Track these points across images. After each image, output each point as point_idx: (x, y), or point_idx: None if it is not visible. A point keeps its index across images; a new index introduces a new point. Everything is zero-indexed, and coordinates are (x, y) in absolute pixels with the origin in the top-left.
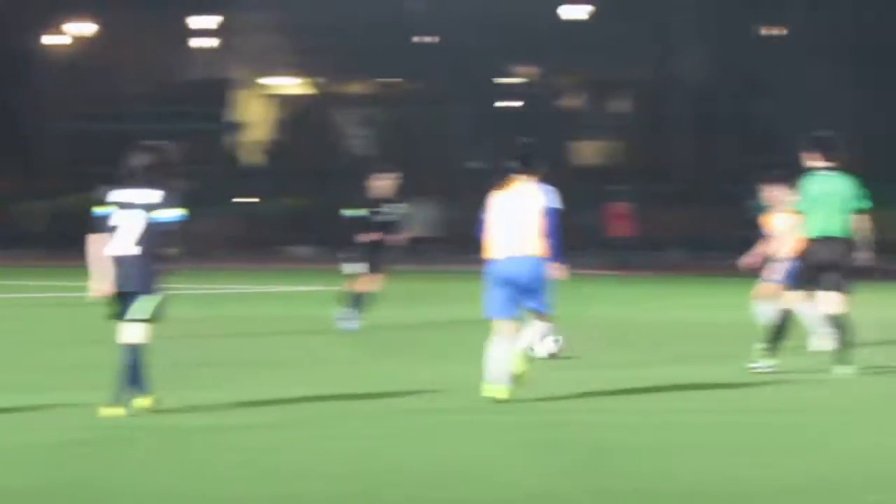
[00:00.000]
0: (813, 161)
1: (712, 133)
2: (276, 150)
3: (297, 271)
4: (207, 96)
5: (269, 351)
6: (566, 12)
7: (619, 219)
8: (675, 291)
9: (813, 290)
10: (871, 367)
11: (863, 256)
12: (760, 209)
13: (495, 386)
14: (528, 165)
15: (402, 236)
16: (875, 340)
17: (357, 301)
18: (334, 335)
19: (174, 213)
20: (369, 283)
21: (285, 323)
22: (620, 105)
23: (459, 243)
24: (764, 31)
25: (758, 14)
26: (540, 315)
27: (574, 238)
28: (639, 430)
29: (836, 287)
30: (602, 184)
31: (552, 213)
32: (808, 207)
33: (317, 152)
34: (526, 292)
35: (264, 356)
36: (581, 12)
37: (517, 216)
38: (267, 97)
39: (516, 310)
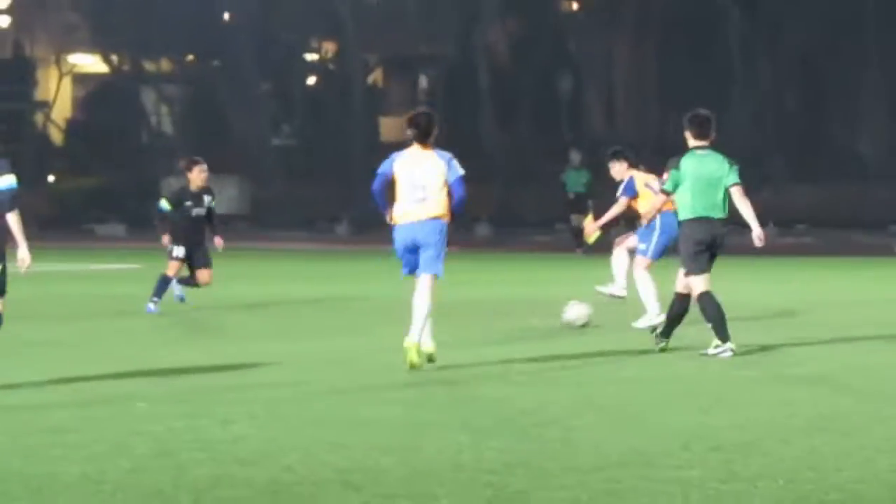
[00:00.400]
0: (690, 138)
1: (516, 109)
2: (82, 129)
3: (107, 250)
4: (14, 75)
5: (72, 331)
6: None
7: None
8: (483, 267)
9: (701, 270)
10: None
11: (756, 234)
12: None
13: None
14: (427, 134)
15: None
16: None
17: (163, 285)
18: (143, 315)
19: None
20: (183, 270)
21: (92, 302)
22: (425, 81)
23: (264, 221)
24: (566, 6)
25: None
26: (436, 277)
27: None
28: (448, 409)
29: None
30: None
31: (460, 182)
32: (685, 187)
33: (122, 130)
34: (423, 252)
35: (66, 336)
36: None
37: (419, 181)
38: (72, 75)
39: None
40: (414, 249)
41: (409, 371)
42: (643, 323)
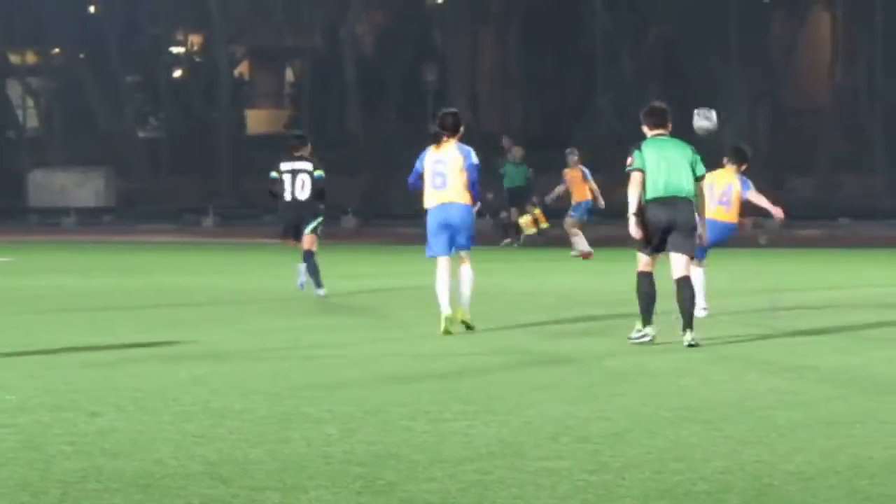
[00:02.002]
0: (647, 129)
1: (382, 100)
2: None
3: None
4: None
5: None
6: None
7: None
8: (349, 259)
9: (658, 252)
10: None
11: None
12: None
13: (445, 312)
14: (454, 129)
15: None
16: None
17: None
18: (11, 308)
19: None
20: None
21: None
22: (291, 73)
23: (131, 214)
24: None
25: None
26: (469, 251)
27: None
28: (315, 401)
29: (682, 248)
30: (275, 152)
31: (474, 168)
32: (648, 169)
33: None
34: (457, 233)
35: None
36: None
37: (447, 170)
38: None
39: (452, 249)
40: (447, 228)
41: (275, 364)
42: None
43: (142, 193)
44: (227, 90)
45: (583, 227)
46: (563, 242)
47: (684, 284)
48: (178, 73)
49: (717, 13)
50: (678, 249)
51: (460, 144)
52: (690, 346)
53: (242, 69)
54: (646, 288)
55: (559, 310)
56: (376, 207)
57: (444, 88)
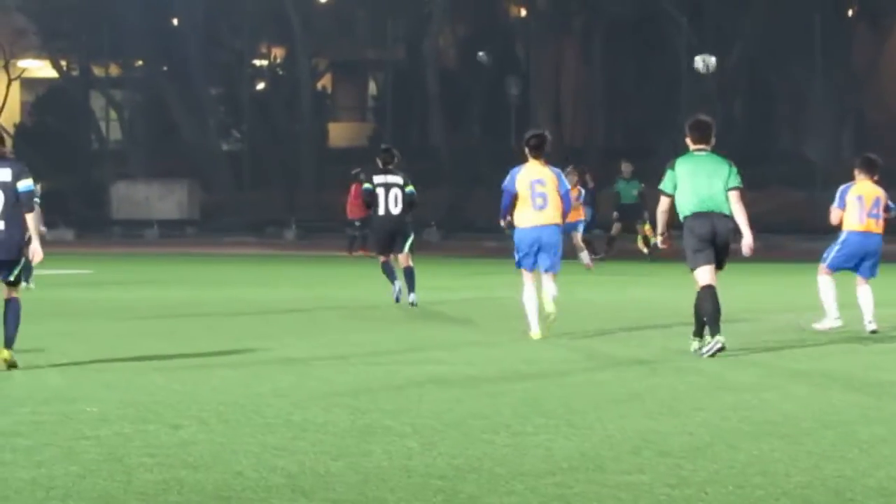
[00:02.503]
0: (690, 143)
1: (464, 113)
2: (31, 134)
3: (56, 255)
4: None
5: (22, 335)
6: None
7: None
8: (432, 272)
9: (702, 263)
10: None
11: (745, 242)
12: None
13: (535, 335)
14: (541, 150)
15: None
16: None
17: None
18: (94, 319)
19: (28, 184)
20: None
21: (42, 306)
22: (374, 86)
23: (213, 226)
24: (514, 11)
25: None
26: (556, 272)
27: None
28: (396, 414)
29: (715, 261)
30: (357, 165)
31: (566, 190)
32: (684, 185)
33: (70, 135)
34: (548, 253)
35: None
36: None
37: (539, 191)
38: (21, 80)
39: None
40: (538, 249)
41: (357, 376)
42: (822, 325)
43: (224, 206)
44: (309, 103)
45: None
46: (641, 256)
47: (710, 296)
48: (260, 86)
49: (800, 28)
50: (714, 261)
51: (551, 166)
52: (710, 351)
53: (325, 82)
54: (711, 301)
55: (641, 323)
56: (459, 220)
57: (527, 102)
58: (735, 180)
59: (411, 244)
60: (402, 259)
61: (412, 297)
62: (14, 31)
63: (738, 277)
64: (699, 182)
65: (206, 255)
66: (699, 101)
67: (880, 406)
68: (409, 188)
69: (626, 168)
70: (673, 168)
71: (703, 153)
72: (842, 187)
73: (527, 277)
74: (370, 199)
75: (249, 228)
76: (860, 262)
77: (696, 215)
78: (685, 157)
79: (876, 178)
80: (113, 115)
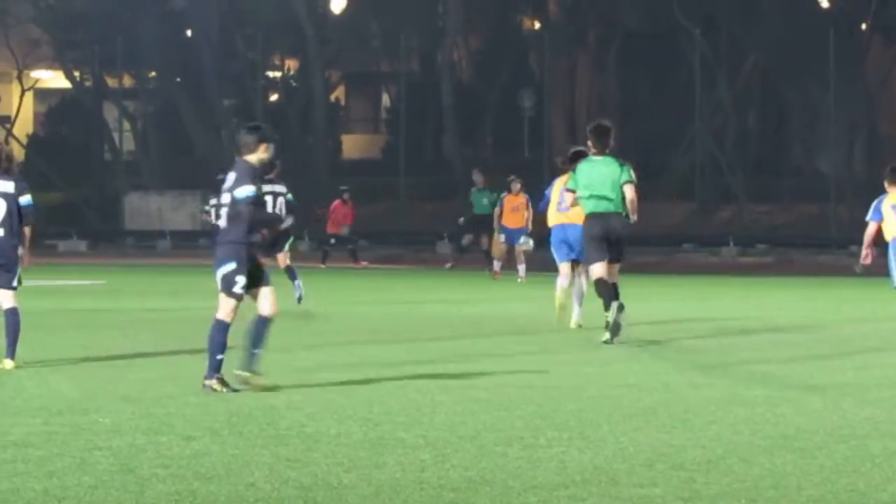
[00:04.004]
0: (590, 147)
1: (479, 125)
2: (44, 144)
3: (69, 266)
4: None
5: (35, 345)
6: (329, 5)
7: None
8: (446, 285)
9: (596, 261)
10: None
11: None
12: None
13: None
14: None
15: None
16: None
17: None
18: (107, 330)
19: (28, 199)
20: None
21: (56, 316)
22: (387, 98)
23: None
24: (528, 23)
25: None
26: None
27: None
28: (409, 426)
29: (609, 257)
30: (370, 177)
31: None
32: (584, 188)
33: (84, 146)
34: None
35: (28, 350)
36: (344, 5)
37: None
38: (34, 90)
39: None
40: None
41: (370, 388)
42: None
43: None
44: (322, 115)
45: (506, 252)
46: (655, 270)
47: (603, 284)
48: (274, 98)
49: (814, 41)
50: (613, 257)
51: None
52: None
53: (338, 94)
54: (607, 290)
55: (655, 336)
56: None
57: (541, 114)
58: (626, 176)
59: (290, 244)
60: (281, 259)
61: (297, 282)
62: (28, 42)
63: (751, 291)
64: (595, 185)
65: None
66: (713, 114)
67: (893, 420)
68: (290, 196)
69: (478, 178)
70: (575, 171)
71: (600, 157)
72: (876, 201)
73: (563, 269)
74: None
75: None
76: None
77: (593, 216)
78: (585, 162)
79: None
80: (126, 126)
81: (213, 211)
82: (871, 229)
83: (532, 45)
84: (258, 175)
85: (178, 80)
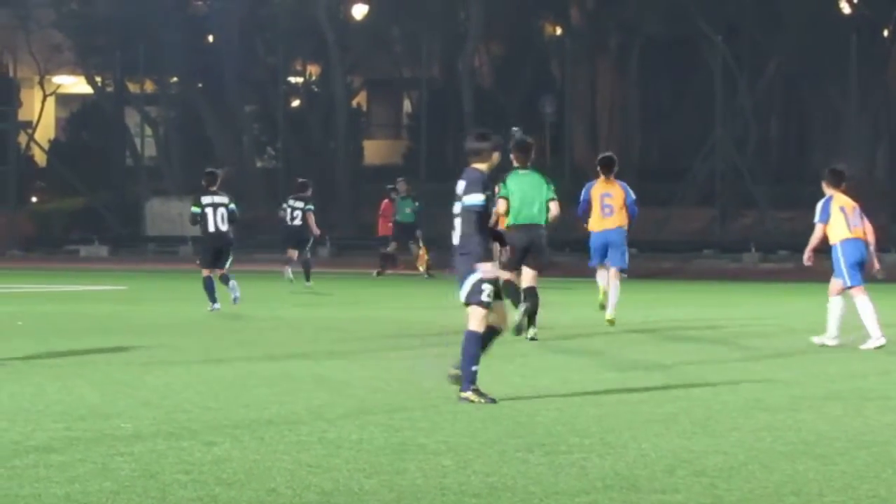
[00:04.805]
0: (515, 161)
1: (499, 132)
2: (66, 150)
3: (90, 271)
4: None
5: (57, 350)
6: (351, 11)
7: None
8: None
9: (513, 268)
10: None
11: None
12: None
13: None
14: (611, 170)
15: None
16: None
17: None
18: (129, 336)
19: None
20: None
21: (77, 321)
22: (409, 104)
23: (248, 243)
24: (549, 30)
25: (543, 12)
26: (623, 268)
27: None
28: (430, 432)
29: (534, 265)
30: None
31: (632, 200)
32: (512, 199)
33: (105, 151)
34: (613, 251)
35: (50, 356)
36: (366, 11)
37: (607, 202)
38: (56, 96)
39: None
40: (606, 248)
41: (391, 394)
42: (819, 340)
43: (259, 223)
44: (344, 121)
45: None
46: (675, 276)
47: (532, 293)
48: (295, 104)
49: (836, 47)
50: (530, 265)
51: (620, 182)
52: (532, 339)
53: (360, 100)
54: (514, 291)
55: (675, 342)
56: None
57: (562, 120)
58: (550, 193)
59: (230, 263)
60: (219, 273)
61: (215, 306)
62: (49, 47)
63: (772, 297)
64: (520, 198)
65: (241, 272)
66: (734, 120)
67: None
68: (232, 206)
69: (401, 186)
70: (505, 182)
71: (525, 171)
72: (822, 202)
73: (601, 273)
74: (195, 220)
75: (284, 245)
76: (860, 269)
77: (517, 227)
78: (512, 175)
79: (843, 187)
80: (148, 131)
81: (288, 211)
82: (818, 232)
83: (553, 51)
84: (488, 183)
85: (200, 85)
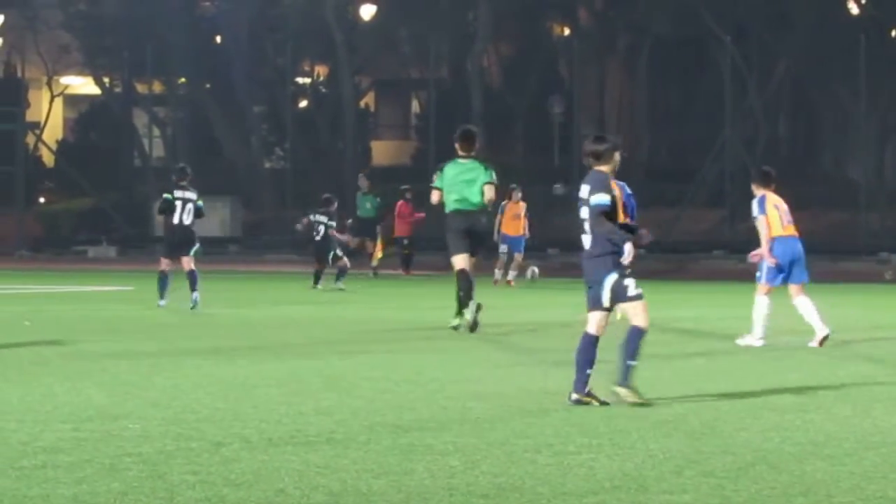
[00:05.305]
0: (458, 149)
1: (508, 132)
2: (74, 150)
3: (99, 271)
4: (5, 96)
5: (65, 351)
6: (359, 12)
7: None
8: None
9: (457, 253)
10: None
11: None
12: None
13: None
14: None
15: None
16: None
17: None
18: (136, 337)
19: None
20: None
21: (85, 322)
22: (417, 104)
23: (256, 244)
24: (558, 30)
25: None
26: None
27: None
28: (438, 432)
29: (470, 250)
30: (400, 183)
31: (629, 198)
32: (449, 187)
33: (113, 152)
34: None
35: (58, 356)
36: (374, 11)
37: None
38: (64, 96)
39: None
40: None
41: (399, 394)
42: (743, 341)
43: (267, 223)
44: (352, 121)
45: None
46: (684, 277)
47: (465, 276)
48: (303, 104)
49: (844, 48)
50: (468, 251)
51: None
52: (455, 328)
53: (368, 100)
54: (465, 282)
55: (683, 342)
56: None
57: (571, 121)
58: (487, 177)
59: (195, 251)
60: (186, 262)
61: (195, 295)
62: (57, 48)
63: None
64: (460, 185)
65: (249, 272)
66: (743, 120)
67: None
68: (200, 203)
69: (363, 182)
70: (442, 170)
71: (466, 160)
72: (756, 199)
73: None
74: (167, 208)
75: (292, 246)
76: (790, 267)
77: (456, 213)
78: (451, 163)
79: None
80: (156, 132)
81: (321, 229)
82: (764, 224)
83: (562, 51)
84: (609, 185)
85: (208, 86)
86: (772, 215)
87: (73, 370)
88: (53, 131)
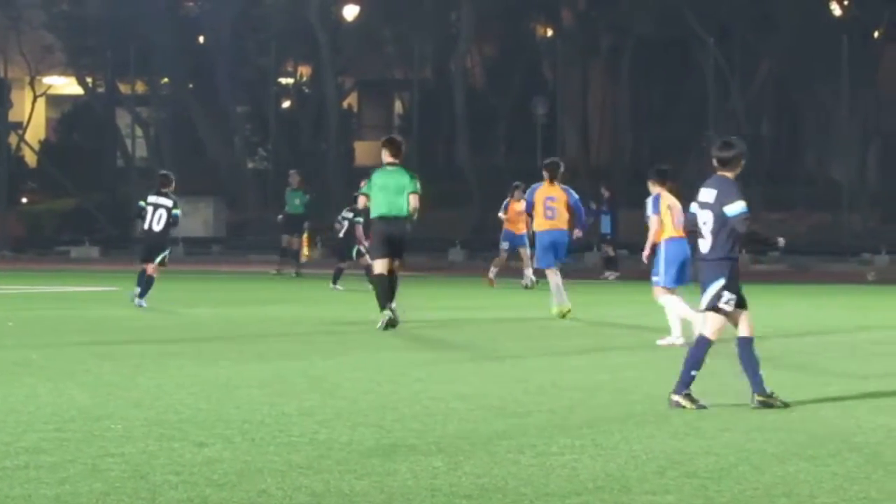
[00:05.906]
0: (384, 157)
1: (491, 133)
2: (56, 150)
3: (82, 272)
4: None
5: (48, 352)
6: (343, 12)
7: None
8: (452, 292)
9: (380, 257)
10: None
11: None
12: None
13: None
14: (554, 178)
15: None
16: None
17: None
18: (119, 337)
19: None
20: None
21: (68, 323)
22: (399, 105)
23: (239, 244)
24: (541, 31)
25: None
26: (562, 264)
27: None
28: (421, 433)
29: (396, 254)
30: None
31: (577, 201)
32: (376, 193)
33: (96, 152)
34: (559, 250)
35: (41, 357)
36: (357, 12)
37: (550, 204)
38: (46, 97)
39: (555, 261)
40: (553, 247)
41: (383, 395)
42: (665, 342)
43: (250, 224)
44: (335, 122)
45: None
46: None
47: (383, 280)
48: (286, 105)
49: (827, 49)
50: (395, 255)
51: (563, 185)
52: (389, 323)
53: (351, 101)
54: (383, 285)
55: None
56: (484, 240)
57: (554, 122)
58: (412, 187)
59: (162, 258)
60: (150, 267)
61: (140, 300)
62: (40, 48)
63: (766, 299)
64: (387, 192)
65: (232, 273)
66: (726, 122)
67: None
68: (175, 211)
69: (294, 179)
70: (370, 178)
71: (393, 168)
72: (650, 198)
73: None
74: (137, 214)
75: (275, 246)
76: (682, 269)
77: (382, 218)
78: (379, 171)
79: (668, 185)
80: (139, 132)
81: (345, 224)
82: (656, 224)
83: (545, 52)
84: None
85: (191, 86)
86: (665, 216)
87: (56, 371)
88: (36, 131)
